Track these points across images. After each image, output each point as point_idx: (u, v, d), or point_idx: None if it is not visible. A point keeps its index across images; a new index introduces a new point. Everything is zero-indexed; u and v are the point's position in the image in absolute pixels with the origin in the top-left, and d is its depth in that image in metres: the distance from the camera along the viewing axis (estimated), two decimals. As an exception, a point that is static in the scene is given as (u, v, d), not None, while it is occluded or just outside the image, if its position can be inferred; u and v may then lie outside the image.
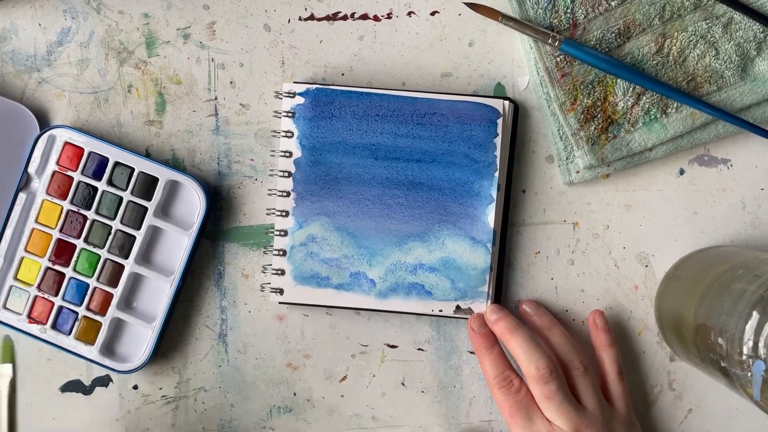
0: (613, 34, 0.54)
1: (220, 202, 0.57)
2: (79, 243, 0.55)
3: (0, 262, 0.56)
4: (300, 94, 0.55)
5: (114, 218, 0.55)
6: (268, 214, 0.56)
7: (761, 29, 0.53)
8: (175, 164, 0.57)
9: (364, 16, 0.56)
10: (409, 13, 0.56)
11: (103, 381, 0.58)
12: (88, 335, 0.55)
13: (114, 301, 0.55)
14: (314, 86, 0.55)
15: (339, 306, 0.55)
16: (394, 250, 0.55)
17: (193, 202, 0.56)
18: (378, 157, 0.55)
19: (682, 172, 0.56)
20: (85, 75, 0.57)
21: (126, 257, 0.55)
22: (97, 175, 0.55)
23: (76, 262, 0.55)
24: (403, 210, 0.55)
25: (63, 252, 0.56)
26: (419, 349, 0.57)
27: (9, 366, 0.51)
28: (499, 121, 0.54)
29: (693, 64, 0.54)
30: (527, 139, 0.56)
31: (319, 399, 0.57)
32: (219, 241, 0.57)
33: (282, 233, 0.55)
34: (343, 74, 0.56)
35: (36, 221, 0.55)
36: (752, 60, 0.54)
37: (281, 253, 0.55)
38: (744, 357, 0.43)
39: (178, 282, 0.55)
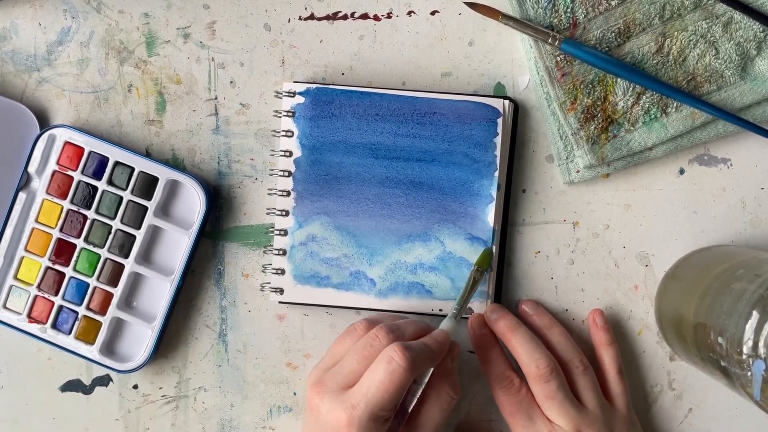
0: (613, 34, 0.54)
1: (220, 202, 0.57)
2: (79, 242, 0.55)
3: (0, 261, 0.56)
4: (300, 93, 0.55)
5: (114, 218, 0.55)
6: (268, 213, 0.56)
7: (761, 29, 0.53)
8: (175, 164, 0.57)
9: (364, 16, 0.56)
10: (409, 13, 0.56)
11: (103, 381, 0.58)
12: (88, 335, 0.55)
13: (114, 301, 0.55)
14: (314, 86, 0.55)
15: (339, 305, 0.55)
16: (394, 249, 0.55)
17: (193, 202, 0.56)
18: (378, 157, 0.55)
19: (682, 171, 0.56)
20: (85, 74, 0.57)
21: (126, 257, 0.55)
22: (97, 175, 0.55)
23: (76, 261, 0.55)
24: (403, 209, 0.55)
25: (63, 251, 0.56)
26: (419, 348, 0.57)
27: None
28: (499, 121, 0.54)
29: (693, 64, 0.54)
30: (527, 139, 0.56)
31: (319, 398, 0.57)
32: (219, 240, 0.57)
33: (282, 233, 0.55)
34: (343, 74, 0.56)
35: (36, 221, 0.55)
36: (752, 59, 0.54)
37: (281, 252, 0.55)
38: (744, 356, 0.43)
39: (178, 282, 0.55)
